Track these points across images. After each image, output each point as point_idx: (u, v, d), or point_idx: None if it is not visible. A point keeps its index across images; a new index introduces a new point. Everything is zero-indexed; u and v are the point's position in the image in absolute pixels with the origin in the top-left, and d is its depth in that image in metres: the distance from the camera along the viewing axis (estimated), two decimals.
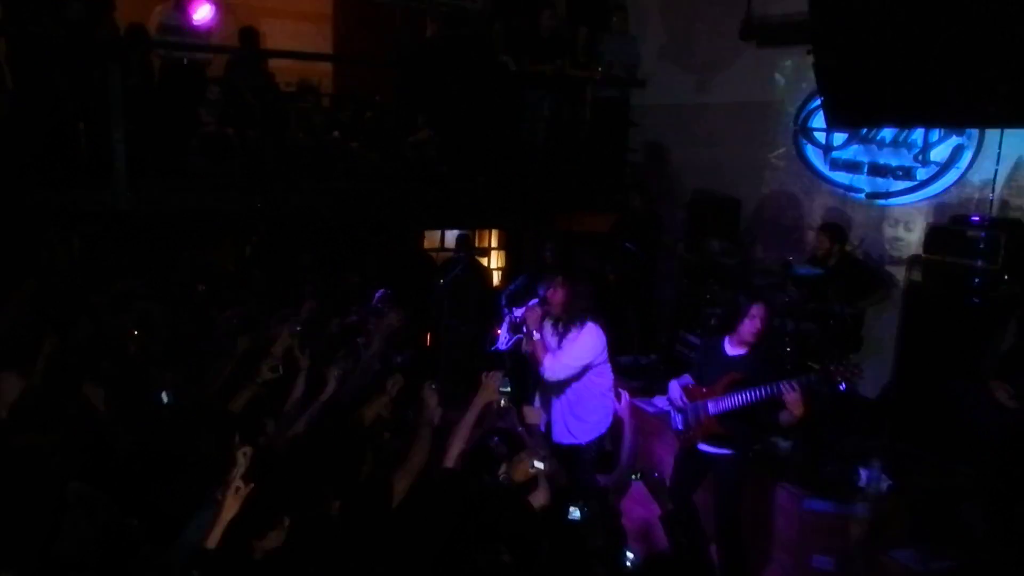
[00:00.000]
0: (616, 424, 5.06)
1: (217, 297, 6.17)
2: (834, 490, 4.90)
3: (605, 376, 4.90)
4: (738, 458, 4.47)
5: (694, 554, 4.46)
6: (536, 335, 4.82)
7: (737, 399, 4.26)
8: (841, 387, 4.11)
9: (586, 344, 4.75)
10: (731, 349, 4.43)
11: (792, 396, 4.02)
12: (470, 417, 3.73)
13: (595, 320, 4.80)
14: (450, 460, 3.45)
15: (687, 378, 4.67)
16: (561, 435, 4.93)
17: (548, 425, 4.99)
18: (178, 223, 6.42)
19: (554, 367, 4.74)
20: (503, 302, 6.43)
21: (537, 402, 5.11)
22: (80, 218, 6.07)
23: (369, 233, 7.64)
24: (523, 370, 6.33)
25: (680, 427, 4.62)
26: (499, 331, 6.33)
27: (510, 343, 6.24)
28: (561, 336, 4.83)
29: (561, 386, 4.85)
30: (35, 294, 4.53)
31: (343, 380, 4.21)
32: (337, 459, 3.31)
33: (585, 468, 4.83)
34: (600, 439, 4.93)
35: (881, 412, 5.67)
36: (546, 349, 4.79)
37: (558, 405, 4.92)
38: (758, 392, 4.15)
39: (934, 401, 5.15)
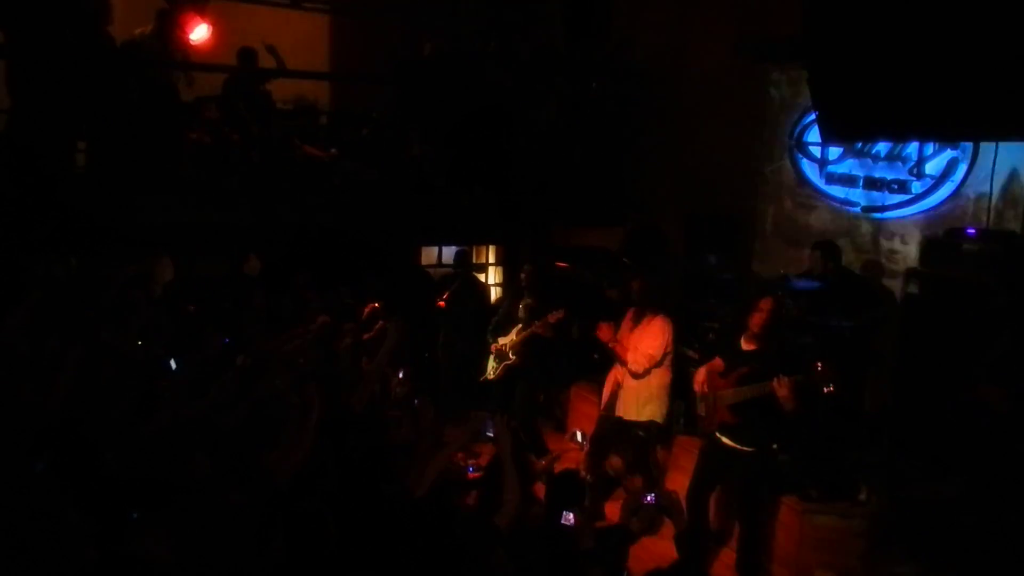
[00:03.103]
0: None
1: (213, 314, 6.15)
2: (834, 504, 4.89)
3: (667, 369, 5.45)
4: (757, 455, 4.68)
5: (700, 573, 4.50)
6: (613, 343, 5.48)
7: (742, 393, 4.56)
8: (824, 391, 4.38)
9: (657, 333, 5.37)
10: (744, 344, 4.71)
11: (782, 392, 4.32)
12: (448, 451, 3.80)
13: (666, 313, 5.46)
14: (421, 489, 3.46)
15: (718, 362, 4.90)
16: (623, 410, 5.47)
17: (613, 397, 5.58)
18: (173, 238, 6.41)
19: (637, 360, 5.34)
20: (488, 335, 6.52)
21: (617, 374, 5.63)
22: (77, 236, 6.07)
23: (366, 249, 7.64)
24: (511, 397, 6.41)
25: (702, 413, 4.92)
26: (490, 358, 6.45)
27: (499, 372, 6.34)
28: (635, 324, 5.39)
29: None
30: (39, 306, 4.52)
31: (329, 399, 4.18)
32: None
33: (643, 445, 5.41)
34: (655, 426, 5.45)
35: (880, 425, 5.66)
36: (626, 349, 5.41)
37: (628, 383, 5.47)
38: (759, 389, 4.46)
39: (932, 413, 5.15)
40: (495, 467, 3.73)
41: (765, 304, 4.60)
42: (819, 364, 4.39)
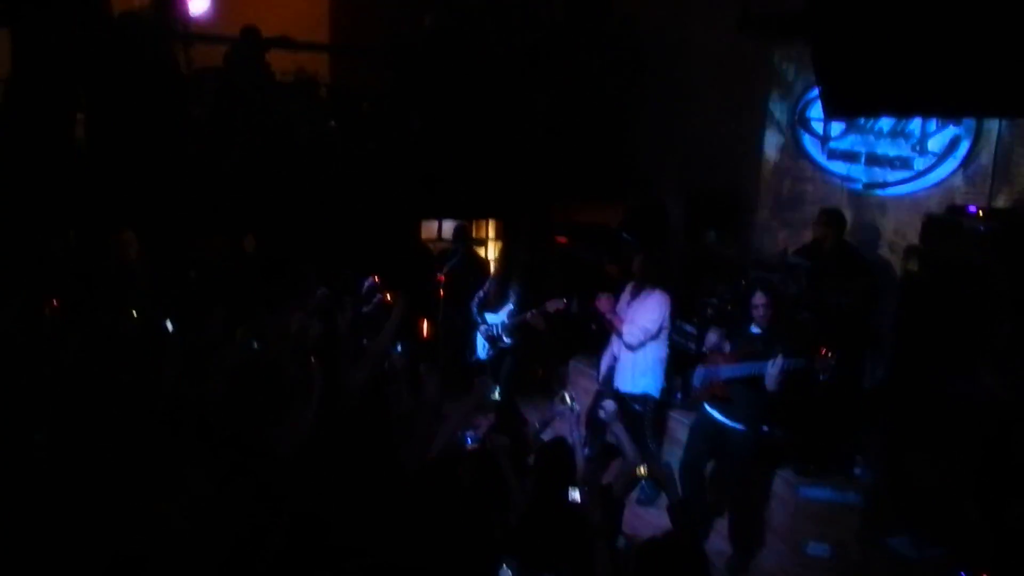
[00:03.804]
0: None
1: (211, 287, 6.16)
2: (830, 478, 4.94)
3: (663, 344, 5.51)
4: (748, 434, 4.77)
5: (694, 542, 4.53)
6: (610, 315, 5.51)
7: (739, 369, 4.68)
8: (821, 377, 4.35)
9: (654, 307, 5.43)
10: (754, 329, 4.89)
11: (771, 372, 4.43)
12: (456, 419, 3.83)
13: (664, 288, 5.51)
14: (431, 456, 3.49)
15: (725, 345, 4.99)
16: (618, 383, 5.54)
17: (611, 371, 5.63)
18: (171, 213, 6.40)
19: (632, 332, 5.39)
20: (474, 311, 6.43)
21: (614, 348, 5.67)
22: (77, 210, 6.07)
23: (366, 223, 7.64)
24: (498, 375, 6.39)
25: (696, 384, 5.01)
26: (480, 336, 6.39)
27: (489, 353, 6.29)
28: (633, 298, 5.53)
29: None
30: (34, 286, 4.55)
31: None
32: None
33: (638, 419, 5.44)
34: (650, 399, 5.49)
35: (877, 401, 5.69)
36: (622, 321, 5.46)
37: (623, 356, 5.53)
38: (753, 367, 4.56)
39: (930, 391, 5.17)
40: (489, 450, 3.77)
41: (758, 300, 4.76)
42: (823, 350, 4.45)
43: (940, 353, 5.18)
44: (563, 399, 5.55)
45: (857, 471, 4.98)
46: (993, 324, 4.71)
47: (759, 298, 4.75)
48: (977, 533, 4.44)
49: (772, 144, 7.03)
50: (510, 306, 6.20)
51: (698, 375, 5.00)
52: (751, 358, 4.65)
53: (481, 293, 6.52)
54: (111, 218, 6.12)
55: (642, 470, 4.39)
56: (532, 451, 4.09)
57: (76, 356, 3.92)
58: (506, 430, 4.63)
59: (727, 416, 4.76)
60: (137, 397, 3.83)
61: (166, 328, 4.72)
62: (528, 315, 6.07)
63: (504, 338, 6.24)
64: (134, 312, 4.87)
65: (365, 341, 5.22)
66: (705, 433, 4.93)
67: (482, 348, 6.41)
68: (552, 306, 6.02)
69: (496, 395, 6.80)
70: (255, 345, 4.22)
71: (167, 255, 6.55)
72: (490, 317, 6.32)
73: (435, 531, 3.11)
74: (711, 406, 4.84)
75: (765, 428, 4.94)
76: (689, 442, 5.09)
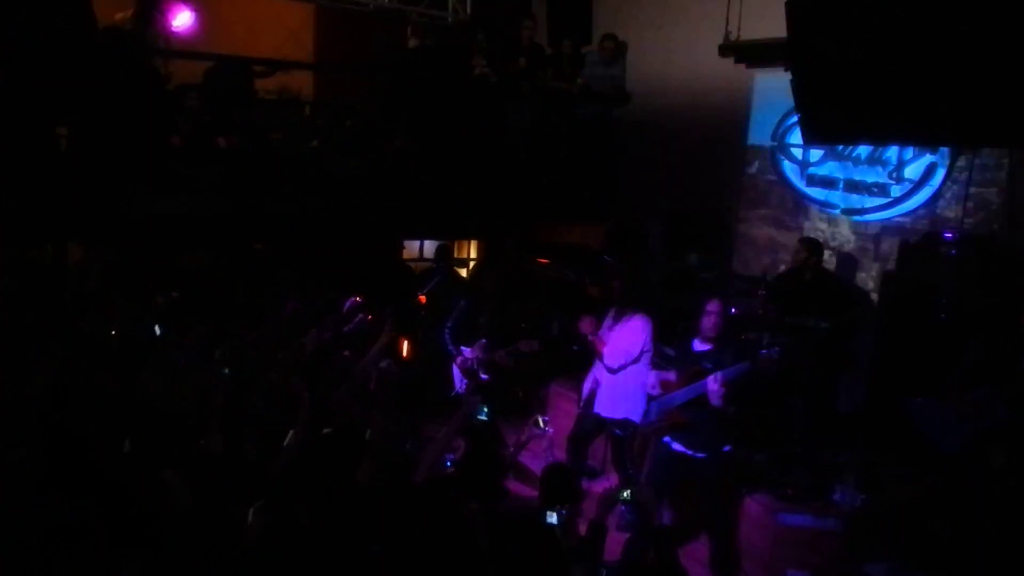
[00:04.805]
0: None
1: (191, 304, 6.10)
2: (808, 504, 4.94)
3: (645, 368, 5.37)
4: (712, 460, 4.67)
5: (673, 569, 4.52)
6: (592, 336, 5.48)
7: (690, 391, 4.54)
8: (772, 372, 4.41)
9: (636, 330, 5.37)
10: (698, 346, 4.75)
11: (713, 386, 4.34)
12: (442, 438, 3.80)
13: (646, 312, 5.44)
14: (418, 476, 3.47)
15: (671, 374, 4.85)
16: (600, 407, 5.48)
17: (592, 394, 5.57)
18: (155, 229, 6.34)
19: (613, 355, 5.36)
20: (447, 340, 6.36)
21: (596, 372, 5.62)
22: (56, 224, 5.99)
23: (348, 242, 7.61)
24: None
25: (652, 419, 4.85)
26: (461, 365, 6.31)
27: (465, 386, 6.24)
28: (615, 322, 5.47)
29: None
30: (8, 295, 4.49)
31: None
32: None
33: (620, 444, 5.46)
34: (631, 424, 5.38)
35: (855, 426, 5.72)
36: (604, 343, 5.41)
37: (605, 381, 5.48)
38: (698, 387, 4.45)
39: (905, 416, 5.21)
40: (468, 463, 3.74)
41: (712, 307, 4.63)
42: (763, 353, 4.40)
43: (916, 377, 5.24)
44: (536, 423, 5.54)
45: (836, 496, 4.98)
46: (963, 347, 4.76)
47: (714, 305, 4.62)
48: (953, 558, 4.46)
49: (753, 168, 7.11)
50: (484, 341, 6.16)
51: (652, 410, 4.90)
52: (698, 377, 4.54)
53: (450, 323, 6.44)
54: (90, 230, 6.07)
55: (625, 494, 4.38)
56: (508, 473, 4.07)
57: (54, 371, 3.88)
58: (482, 451, 4.61)
59: (688, 447, 4.65)
60: (113, 409, 3.79)
61: (145, 342, 4.67)
62: (497, 355, 6.06)
63: (480, 373, 6.19)
64: (112, 330, 4.81)
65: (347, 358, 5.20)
66: (666, 467, 4.80)
67: (460, 382, 6.35)
68: (526, 347, 6.01)
69: (484, 415, 6.72)
70: (226, 371, 4.17)
71: (144, 269, 6.50)
72: (465, 350, 6.27)
73: (415, 556, 3.09)
74: (671, 439, 4.72)
75: (727, 448, 4.83)
76: (650, 475, 5.01)
